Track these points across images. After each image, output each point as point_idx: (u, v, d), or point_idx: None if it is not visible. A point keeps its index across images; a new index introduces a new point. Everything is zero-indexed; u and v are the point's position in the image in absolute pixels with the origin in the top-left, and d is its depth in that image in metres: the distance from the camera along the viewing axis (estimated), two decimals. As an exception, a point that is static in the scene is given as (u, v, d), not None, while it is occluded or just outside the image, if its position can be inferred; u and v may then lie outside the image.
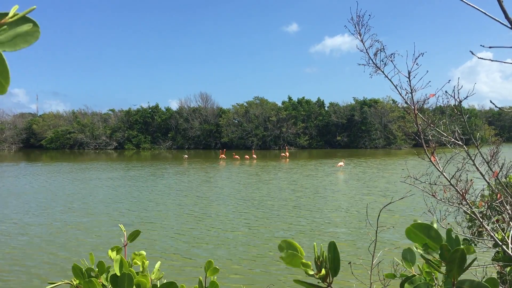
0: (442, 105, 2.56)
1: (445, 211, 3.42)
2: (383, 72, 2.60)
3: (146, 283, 1.26)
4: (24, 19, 0.58)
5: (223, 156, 40.72)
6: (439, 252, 1.02)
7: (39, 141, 64.56)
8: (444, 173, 2.54)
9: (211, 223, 13.56)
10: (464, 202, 2.67)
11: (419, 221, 1.08)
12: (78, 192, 20.61)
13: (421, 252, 1.07)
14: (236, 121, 62.38)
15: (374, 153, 49.54)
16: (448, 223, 3.46)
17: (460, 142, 2.67)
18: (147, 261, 1.48)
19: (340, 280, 7.72)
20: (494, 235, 2.32)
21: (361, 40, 2.61)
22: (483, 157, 2.54)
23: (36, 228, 13.19)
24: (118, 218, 14.36)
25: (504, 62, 1.74)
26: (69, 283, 1.39)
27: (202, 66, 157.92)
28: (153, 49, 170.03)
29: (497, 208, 3.20)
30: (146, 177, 26.54)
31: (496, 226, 3.30)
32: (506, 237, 2.38)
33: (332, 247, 1.00)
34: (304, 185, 21.98)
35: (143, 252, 1.50)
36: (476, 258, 1.14)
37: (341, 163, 29.69)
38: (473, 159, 2.56)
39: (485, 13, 1.51)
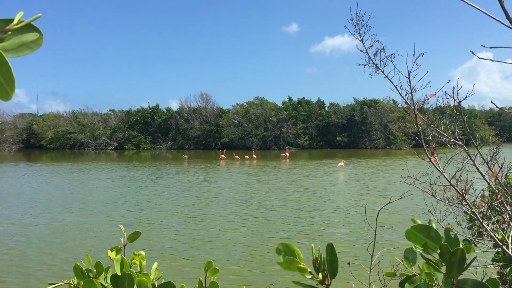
0: (442, 105, 2.56)
1: (445, 211, 3.42)
2: (383, 72, 2.60)
3: (147, 282, 1.25)
4: (29, 26, 0.58)
5: (223, 156, 40.72)
6: (438, 252, 1.02)
7: (39, 141, 64.57)
8: (444, 173, 2.53)
9: (210, 223, 13.55)
10: (464, 203, 2.66)
11: (419, 222, 1.08)
12: (77, 192, 20.60)
13: (421, 252, 1.07)
14: (236, 121, 62.38)
15: (374, 153, 49.53)
16: (448, 224, 3.46)
17: (460, 142, 2.67)
18: (145, 261, 1.48)
19: (340, 280, 7.71)
20: (494, 235, 2.31)
21: (361, 40, 2.61)
22: (482, 158, 2.54)
23: (34, 228, 13.17)
24: (117, 219, 14.35)
25: (504, 62, 1.74)
26: (69, 284, 1.39)
27: (202, 66, 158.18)
28: (153, 49, 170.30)
29: (497, 209, 3.19)
30: (145, 178, 26.53)
31: (497, 227, 3.30)
32: (506, 237, 2.37)
33: (330, 249, 1.00)
34: (304, 185, 21.97)
35: (142, 253, 1.49)
36: (475, 257, 1.14)
37: (341, 163, 29.69)
38: (473, 159, 2.56)
39: (486, 13, 1.50)
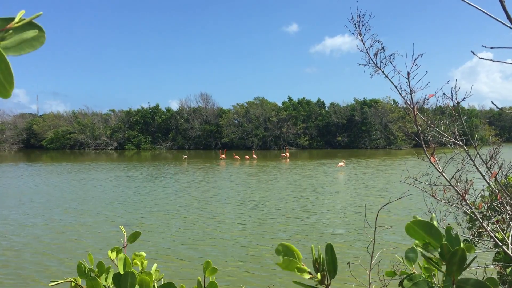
0: (442, 105, 2.56)
1: (445, 211, 3.42)
2: (383, 72, 2.60)
3: (149, 282, 1.25)
4: (30, 25, 0.58)
5: (223, 156, 40.71)
6: (439, 251, 1.02)
7: (39, 142, 64.58)
8: (444, 174, 2.53)
9: (210, 223, 13.54)
10: (464, 203, 2.66)
11: (419, 218, 1.08)
12: (76, 192, 20.60)
13: (421, 250, 1.07)
14: (236, 122, 62.38)
15: (375, 153, 49.52)
16: (448, 224, 3.45)
17: (460, 143, 2.67)
18: (146, 261, 1.48)
19: (339, 280, 7.71)
20: (495, 235, 2.31)
21: (361, 40, 2.61)
22: (481, 159, 2.54)
23: (31, 229, 13.15)
24: (115, 219, 14.33)
25: (504, 62, 1.74)
26: (71, 281, 1.39)
27: (202, 66, 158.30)
28: (153, 49, 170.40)
29: (497, 209, 3.19)
30: (145, 178, 26.53)
31: (496, 227, 3.30)
32: (506, 237, 2.38)
33: (329, 249, 1.00)
34: (303, 185, 21.96)
35: (143, 253, 1.50)
36: (476, 257, 1.14)
37: (341, 164, 29.69)
38: (473, 159, 2.56)
39: (486, 13, 1.50)
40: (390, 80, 2.56)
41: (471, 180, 2.66)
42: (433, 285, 1.00)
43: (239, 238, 11.69)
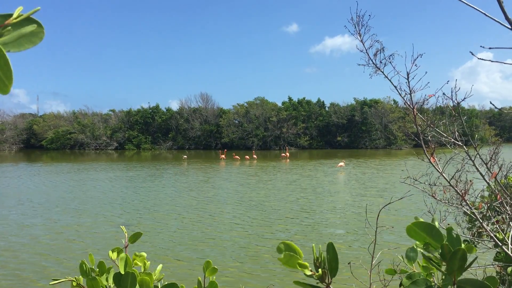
0: (442, 105, 2.56)
1: (445, 211, 3.42)
2: (383, 72, 2.61)
3: (149, 282, 1.26)
4: (28, 20, 0.59)
5: (223, 156, 40.71)
6: (440, 251, 1.02)
7: (39, 142, 64.58)
8: (443, 174, 2.54)
9: (209, 224, 13.54)
10: (463, 203, 2.67)
11: (420, 219, 1.09)
12: (75, 193, 20.60)
13: (422, 251, 1.07)
14: (236, 122, 62.38)
15: (375, 153, 49.52)
16: (448, 224, 3.46)
17: (459, 143, 2.67)
18: (148, 262, 1.49)
19: (340, 280, 7.71)
20: (494, 235, 2.32)
21: (361, 41, 2.61)
22: (481, 159, 2.54)
23: (29, 229, 13.13)
24: (114, 220, 14.32)
25: (504, 63, 1.74)
26: (72, 280, 1.40)
27: (202, 66, 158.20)
28: (153, 49, 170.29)
29: (497, 209, 3.20)
30: (144, 178, 26.53)
31: (496, 227, 3.30)
32: (506, 237, 2.38)
33: (331, 248, 1.01)
34: (303, 185, 21.96)
35: (144, 254, 1.50)
36: (477, 257, 1.14)
37: (341, 164, 29.70)
38: (472, 159, 2.56)
39: (485, 14, 1.51)
40: (390, 81, 2.56)
41: (470, 181, 2.67)
42: (432, 284, 1.00)
43: (238, 239, 11.68)
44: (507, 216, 2.75)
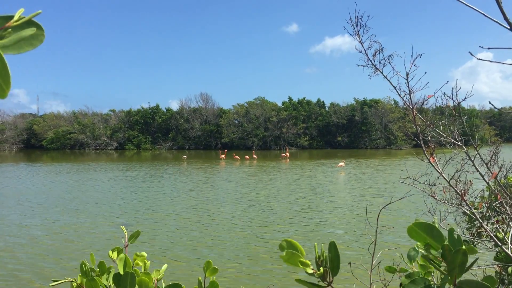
0: (441, 105, 2.56)
1: (445, 211, 3.42)
2: (381, 73, 2.61)
3: (148, 282, 1.26)
4: (29, 23, 0.58)
5: (223, 156, 40.70)
6: (440, 252, 1.03)
7: (39, 142, 64.59)
8: (443, 174, 2.54)
9: (208, 224, 13.53)
10: (463, 203, 2.67)
11: (421, 220, 1.09)
12: (74, 193, 20.59)
13: (423, 251, 1.08)
14: (236, 122, 62.38)
15: (375, 153, 49.52)
16: (448, 224, 3.46)
17: (459, 143, 2.68)
18: (149, 262, 1.49)
19: (340, 280, 7.72)
20: (494, 236, 2.32)
21: (360, 41, 2.61)
22: (481, 159, 2.54)
23: (29, 229, 13.12)
24: (113, 220, 14.32)
25: (503, 63, 1.75)
26: (72, 281, 1.40)
27: (202, 66, 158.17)
28: (153, 49, 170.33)
29: (497, 209, 3.20)
30: (144, 178, 26.52)
31: (496, 227, 3.30)
32: (506, 237, 2.38)
33: (333, 246, 1.01)
34: (303, 185, 21.96)
35: (144, 254, 1.50)
36: (477, 258, 1.15)
37: (341, 164, 29.70)
38: (472, 159, 2.57)
39: (484, 14, 1.51)
40: (389, 81, 2.56)
41: (470, 181, 2.67)
42: (431, 283, 1.00)
43: (237, 239, 11.67)
44: (507, 216, 2.75)
